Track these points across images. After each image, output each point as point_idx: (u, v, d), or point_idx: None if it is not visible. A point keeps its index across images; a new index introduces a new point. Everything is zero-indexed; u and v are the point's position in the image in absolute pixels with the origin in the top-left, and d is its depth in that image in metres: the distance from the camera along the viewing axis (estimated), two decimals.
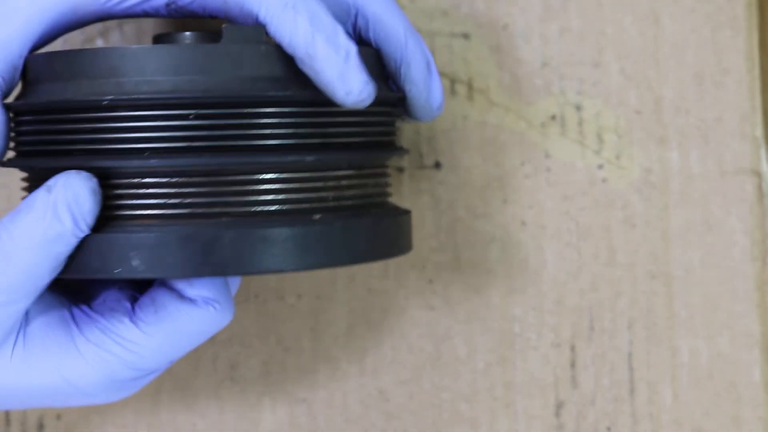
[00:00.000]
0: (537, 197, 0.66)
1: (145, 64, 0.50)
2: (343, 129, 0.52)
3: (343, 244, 0.51)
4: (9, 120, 0.54)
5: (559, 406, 0.66)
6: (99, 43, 0.65)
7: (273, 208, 0.50)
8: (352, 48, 0.50)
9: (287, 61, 0.51)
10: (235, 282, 0.56)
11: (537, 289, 0.67)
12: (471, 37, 0.67)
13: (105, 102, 0.49)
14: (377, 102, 0.53)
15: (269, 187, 0.50)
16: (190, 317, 0.52)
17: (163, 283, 0.53)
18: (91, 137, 0.50)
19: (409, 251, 0.56)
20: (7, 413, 0.66)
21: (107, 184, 0.50)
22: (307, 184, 0.51)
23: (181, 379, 0.67)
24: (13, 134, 0.55)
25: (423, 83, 0.56)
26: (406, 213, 0.56)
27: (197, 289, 0.53)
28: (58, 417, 0.67)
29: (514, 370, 0.67)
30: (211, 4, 0.53)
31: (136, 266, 0.49)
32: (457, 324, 0.67)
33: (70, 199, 0.49)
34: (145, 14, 0.54)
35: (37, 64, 0.53)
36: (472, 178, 0.66)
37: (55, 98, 0.51)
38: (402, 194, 0.66)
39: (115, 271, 0.49)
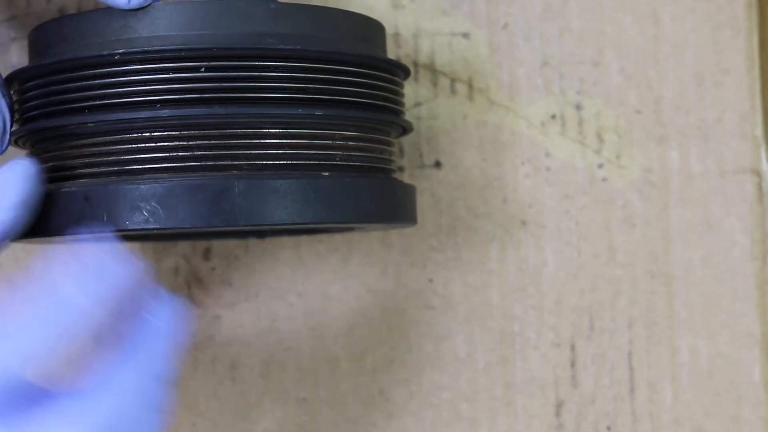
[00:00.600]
0: (537, 197, 0.66)
1: (156, 21, 0.51)
2: (351, 88, 0.53)
3: (351, 200, 0.52)
4: (10, 94, 0.53)
5: (559, 405, 0.66)
6: None
7: (282, 162, 0.51)
8: None
9: (296, 18, 0.52)
10: None
11: (537, 289, 0.67)
12: (471, 37, 0.67)
13: (117, 56, 0.50)
14: (382, 68, 0.54)
15: (278, 141, 0.51)
16: None
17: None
18: (103, 92, 0.51)
19: (414, 223, 0.57)
20: None
21: (118, 139, 0.51)
22: (316, 141, 0.52)
23: (181, 379, 0.67)
24: (19, 107, 0.54)
25: None
26: (412, 186, 0.57)
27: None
28: None
29: (514, 369, 0.66)
30: None
31: (146, 217, 0.49)
32: (457, 324, 0.67)
33: None
34: None
35: (46, 33, 0.53)
36: (472, 178, 0.66)
37: (67, 57, 0.51)
38: None
39: (126, 223, 0.50)
